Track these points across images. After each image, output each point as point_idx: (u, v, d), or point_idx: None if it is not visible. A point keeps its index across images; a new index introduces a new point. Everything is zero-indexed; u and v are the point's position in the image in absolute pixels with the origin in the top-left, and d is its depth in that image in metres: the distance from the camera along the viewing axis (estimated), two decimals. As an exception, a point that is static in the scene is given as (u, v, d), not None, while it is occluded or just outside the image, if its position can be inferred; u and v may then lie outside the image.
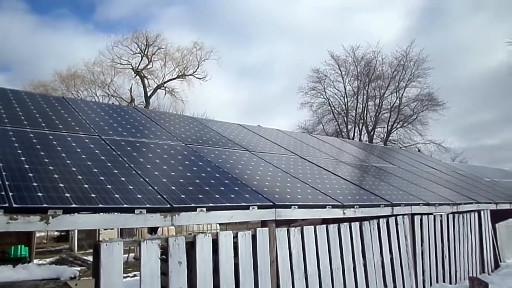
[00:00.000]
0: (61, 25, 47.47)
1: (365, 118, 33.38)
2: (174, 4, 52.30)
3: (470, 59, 45.25)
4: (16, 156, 3.91)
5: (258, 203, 4.48)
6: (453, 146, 37.71)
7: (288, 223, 5.49)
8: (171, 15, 49.99)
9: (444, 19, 46.82)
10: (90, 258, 12.65)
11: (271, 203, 4.60)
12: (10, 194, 3.08)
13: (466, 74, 43.37)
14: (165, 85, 32.98)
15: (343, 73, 33.46)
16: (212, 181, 4.78)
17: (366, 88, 32.99)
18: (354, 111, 33.47)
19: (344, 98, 33.91)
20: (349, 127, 33.73)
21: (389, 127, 32.82)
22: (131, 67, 31.98)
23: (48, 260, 13.28)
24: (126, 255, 11.47)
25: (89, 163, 4.25)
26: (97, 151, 4.72)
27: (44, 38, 45.35)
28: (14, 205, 2.95)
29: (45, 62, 47.90)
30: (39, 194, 3.23)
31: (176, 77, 33.21)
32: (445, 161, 17.76)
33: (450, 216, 7.64)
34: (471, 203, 8.38)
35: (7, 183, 3.26)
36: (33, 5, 48.34)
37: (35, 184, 3.39)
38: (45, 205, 3.08)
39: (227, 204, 4.22)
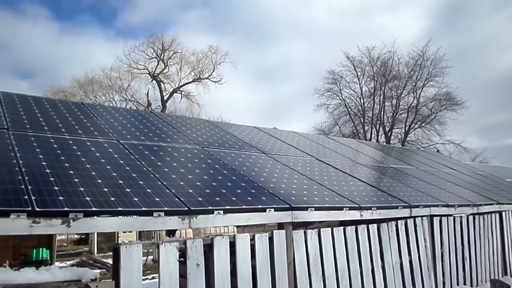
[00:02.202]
0: (83, 32, 48.54)
1: (382, 119, 33.09)
2: (193, 8, 53.03)
3: (491, 57, 44.51)
4: (38, 161, 4.00)
5: (274, 206, 4.49)
6: (473, 146, 37.10)
7: (305, 225, 5.48)
8: (190, 19, 50.75)
9: (465, 18, 46.25)
10: (110, 260, 12.84)
11: (288, 206, 4.60)
12: (33, 198, 3.16)
13: (487, 72, 42.71)
14: (181, 89, 33.31)
15: (359, 73, 33.33)
16: (229, 183, 4.81)
17: (383, 88, 32.73)
18: (371, 112, 33.25)
19: (360, 99, 33.73)
20: (366, 128, 33.50)
21: (406, 128, 32.47)
22: (147, 72, 32.41)
23: (68, 262, 13.53)
24: (145, 258, 11.59)
25: (108, 167, 4.32)
26: (115, 155, 4.80)
27: (66, 44, 46.41)
28: (37, 209, 3.02)
29: (67, 68, 49.10)
30: (60, 198, 3.30)
31: (192, 81, 33.52)
32: (465, 162, 17.47)
33: (471, 217, 7.51)
34: (492, 204, 8.22)
35: (29, 187, 3.34)
36: (56, 12, 49.55)
37: (56, 188, 3.47)
38: (66, 209, 3.15)
39: (244, 206, 4.25)
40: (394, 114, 32.81)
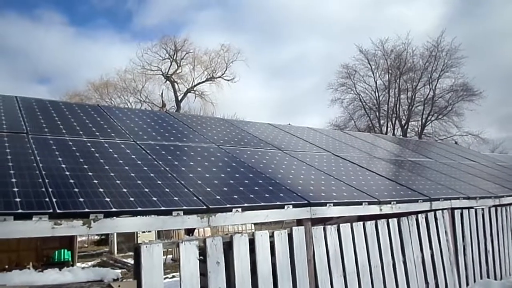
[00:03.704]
0: (99, 36, 49.32)
1: (398, 112, 32.71)
2: (207, 8, 53.33)
3: (509, 46, 43.45)
4: (57, 164, 4.05)
5: (293, 202, 4.47)
6: (492, 137, 36.37)
7: (323, 221, 5.45)
8: (204, 19, 51.10)
9: (482, 5, 45.21)
10: (130, 260, 12.99)
11: (306, 202, 4.57)
12: (54, 200, 3.20)
13: (505, 61, 41.74)
14: (194, 88, 33.47)
15: (373, 67, 33.00)
16: (246, 181, 4.80)
17: (398, 81, 32.34)
18: (386, 105, 32.87)
19: (375, 92, 33.40)
20: (382, 122, 33.17)
21: (423, 120, 32.05)
22: (161, 73, 32.64)
23: (89, 263, 13.73)
24: (164, 257, 11.69)
25: (126, 167, 4.35)
26: (133, 156, 4.83)
27: (83, 49, 47.12)
28: (58, 211, 3.06)
29: (85, 72, 49.96)
30: (81, 199, 3.34)
31: (205, 80, 33.64)
32: (484, 153, 17.15)
33: (493, 209, 7.37)
34: (515, 195, 8.05)
35: (50, 189, 3.38)
36: (72, 17, 50.49)
37: (76, 189, 3.51)
38: (86, 210, 3.18)
39: (262, 203, 4.23)
40: (410, 107, 32.40)
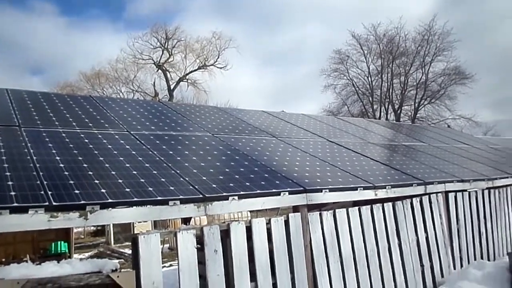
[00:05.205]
0: (92, 26, 48.71)
1: (390, 96, 32.80)
2: (201, -6, 52.47)
3: (505, 29, 43.35)
4: (51, 156, 4.03)
5: (289, 189, 4.49)
6: (486, 120, 36.55)
7: (319, 207, 5.48)
8: (198, 6, 50.36)
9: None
10: (127, 250, 13.01)
11: (302, 188, 4.59)
12: (49, 192, 3.18)
13: (499, 44, 41.71)
14: (187, 77, 33.32)
15: (366, 52, 32.96)
16: (242, 169, 4.80)
17: (390, 66, 32.37)
18: (379, 90, 32.94)
19: (368, 77, 33.44)
20: (375, 107, 33.27)
21: (416, 104, 32.19)
22: (152, 62, 32.38)
23: (86, 254, 13.75)
24: (161, 246, 11.72)
25: (121, 158, 4.34)
26: (127, 147, 4.81)
27: (76, 39, 46.42)
28: (54, 203, 3.04)
29: (78, 63, 49.33)
30: (76, 191, 3.32)
31: (198, 68, 33.50)
32: (477, 136, 17.28)
33: (486, 191, 7.45)
34: (507, 177, 8.13)
35: (45, 182, 3.37)
36: (64, 7, 49.72)
37: (71, 182, 3.49)
38: (82, 202, 3.17)
39: (258, 191, 4.24)
40: (403, 91, 32.50)
